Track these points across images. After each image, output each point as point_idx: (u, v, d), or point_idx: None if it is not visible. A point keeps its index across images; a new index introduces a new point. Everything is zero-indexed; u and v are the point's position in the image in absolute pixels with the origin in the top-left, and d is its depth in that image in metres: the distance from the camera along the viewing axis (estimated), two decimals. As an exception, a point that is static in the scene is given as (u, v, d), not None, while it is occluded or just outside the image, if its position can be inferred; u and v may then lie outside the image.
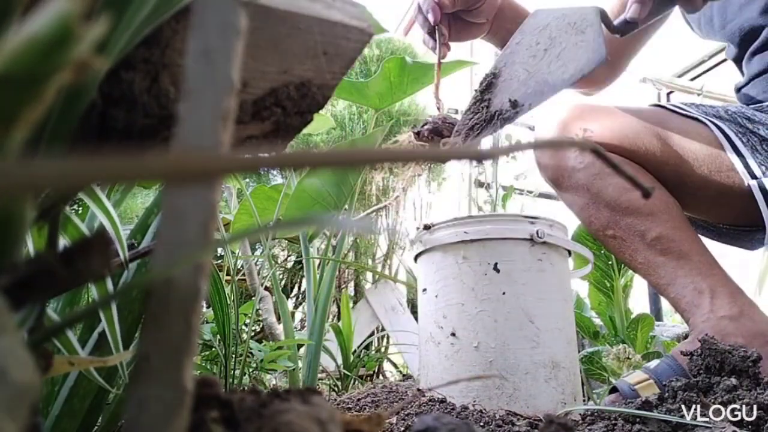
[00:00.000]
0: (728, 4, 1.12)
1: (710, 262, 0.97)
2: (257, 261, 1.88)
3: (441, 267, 0.95)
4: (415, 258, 1.05)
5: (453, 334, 0.90)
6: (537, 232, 0.91)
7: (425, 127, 0.94)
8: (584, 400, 1.01)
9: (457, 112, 3.05)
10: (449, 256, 0.94)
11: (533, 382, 0.85)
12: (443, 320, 0.92)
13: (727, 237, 1.18)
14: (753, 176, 0.98)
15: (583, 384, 0.96)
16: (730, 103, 1.22)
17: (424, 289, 0.99)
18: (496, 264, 0.90)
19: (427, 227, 0.98)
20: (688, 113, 1.09)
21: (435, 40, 1.00)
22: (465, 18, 1.05)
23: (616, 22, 0.87)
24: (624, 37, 0.90)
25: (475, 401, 0.85)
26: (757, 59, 1.14)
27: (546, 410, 0.83)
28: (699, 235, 1.19)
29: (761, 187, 0.96)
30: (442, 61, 1.02)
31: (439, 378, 0.91)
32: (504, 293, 0.89)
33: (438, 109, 1.00)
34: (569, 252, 1.00)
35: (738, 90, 1.19)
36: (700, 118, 1.06)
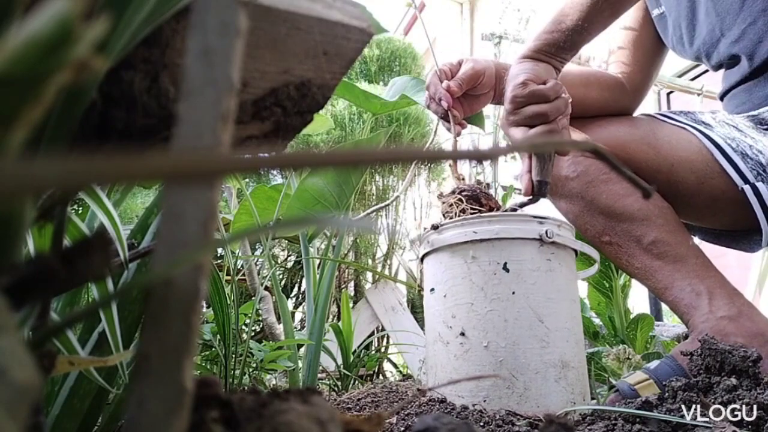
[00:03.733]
0: (694, 22, 1.14)
1: (706, 264, 0.97)
2: (257, 261, 1.88)
3: (450, 267, 0.95)
4: (422, 258, 1.04)
5: (462, 334, 0.90)
6: (546, 232, 0.91)
7: (464, 193, 1.04)
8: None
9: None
10: (458, 255, 0.94)
11: (543, 381, 0.85)
12: (452, 320, 0.92)
13: (725, 240, 1.19)
14: (746, 181, 0.98)
15: (591, 384, 0.97)
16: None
17: (432, 289, 0.98)
18: (505, 264, 0.90)
19: (435, 227, 0.98)
20: (678, 123, 1.10)
21: (449, 122, 1.09)
22: (471, 93, 1.12)
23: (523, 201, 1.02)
24: (543, 195, 1.00)
25: (485, 400, 0.85)
26: (727, 75, 1.15)
27: (556, 410, 0.83)
28: (698, 239, 1.19)
29: (755, 192, 0.96)
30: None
31: (447, 378, 0.91)
32: (514, 293, 0.88)
33: (461, 180, 1.10)
34: (576, 252, 1.00)
35: (721, 98, 1.20)
36: (687, 128, 1.07)
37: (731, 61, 1.11)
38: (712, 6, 1.08)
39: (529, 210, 1.03)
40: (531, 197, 1.00)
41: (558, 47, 0.96)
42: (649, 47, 1.23)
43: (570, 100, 0.96)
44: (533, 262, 0.90)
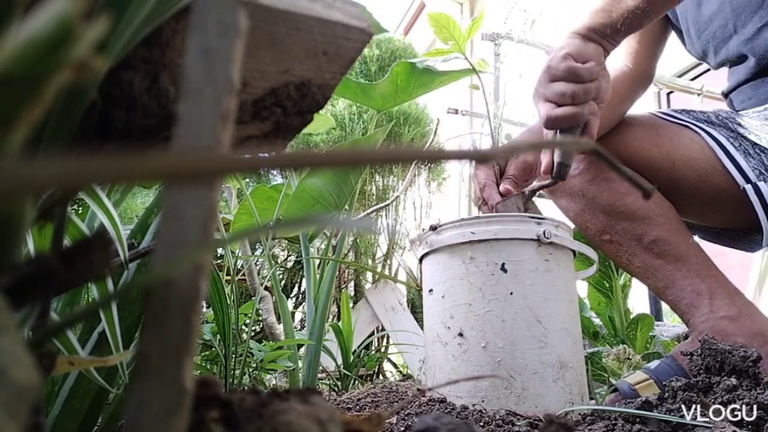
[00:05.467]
0: (699, 16, 1.13)
1: (707, 263, 0.97)
2: (257, 261, 1.88)
3: (448, 267, 0.95)
4: (420, 259, 1.04)
5: (460, 334, 0.90)
6: (544, 233, 0.91)
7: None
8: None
9: (457, 112, 3.05)
10: (456, 256, 0.94)
11: (541, 382, 0.85)
12: (450, 320, 0.92)
13: (725, 239, 1.19)
14: (747, 180, 0.98)
15: (589, 384, 0.97)
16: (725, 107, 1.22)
17: (431, 290, 0.98)
18: (503, 264, 0.90)
19: (433, 228, 0.98)
20: (680, 121, 1.09)
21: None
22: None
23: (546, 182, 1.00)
24: (563, 177, 0.97)
25: (483, 401, 0.85)
26: (733, 72, 1.15)
27: (554, 410, 0.83)
28: (698, 238, 1.19)
29: (756, 191, 0.96)
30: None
31: (446, 378, 0.91)
32: (511, 293, 0.88)
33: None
34: (574, 253, 1.00)
35: (726, 96, 1.20)
36: (690, 125, 1.07)
37: (738, 60, 1.10)
38: (728, 1, 1.07)
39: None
40: (550, 180, 0.97)
41: (613, 29, 0.91)
42: (656, 30, 1.22)
43: (607, 89, 0.92)
44: (531, 263, 0.90)
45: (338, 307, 2.35)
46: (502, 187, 1.01)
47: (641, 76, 1.21)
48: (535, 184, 1.02)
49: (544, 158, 0.97)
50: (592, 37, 0.92)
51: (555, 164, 0.95)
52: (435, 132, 1.94)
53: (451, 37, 1.12)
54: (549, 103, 0.90)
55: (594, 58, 0.91)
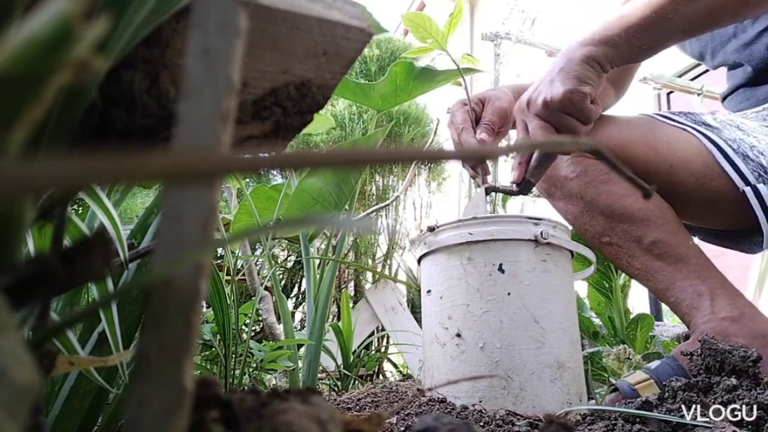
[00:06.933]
0: None
1: (707, 265, 0.97)
2: (257, 261, 1.88)
3: (446, 268, 0.95)
4: (419, 260, 1.04)
5: (458, 335, 0.90)
6: (541, 233, 0.91)
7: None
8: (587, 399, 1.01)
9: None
10: (454, 257, 0.94)
11: (539, 382, 0.85)
12: (448, 321, 0.92)
13: (725, 240, 1.19)
14: (747, 183, 0.98)
15: (589, 384, 0.97)
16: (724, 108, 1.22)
17: (429, 291, 0.99)
18: (501, 265, 0.90)
19: (431, 229, 0.98)
20: (677, 124, 1.09)
21: (477, 173, 1.10)
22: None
23: (509, 188, 1.04)
24: (524, 192, 1.03)
25: (481, 401, 0.85)
26: (731, 76, 1.15)
27: (552, 410, 0.83)
28: (698, 239, 1.19)
29: (756, 193, 0.96)
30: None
31: (444, 379, 0.91)
32: (509, 294, 0.88)
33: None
34: (572, 253, 1.00)
35: (723, 99, 1.20)
36: (688, 128, 1.07)
37: (734, 65, 1.11)
38: None
39: (525, 211, 1.03)
40: (516, 189, 1.01)
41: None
42: None
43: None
44: (528, 263, 0.90)
45: (338, 307, 2.35)
46: (478, 135, 1.03)
47: (615, 84, 1.22)
48: (498, 185, 1.05)
49: (518, 169, 1.01)
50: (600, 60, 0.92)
51: (524, 179, 0.99)
52: (435, 132, 1.94)
53: (429, 35, 1.12)
54: (548, 126, 0.93)
55: (601, 92, 0.94)
